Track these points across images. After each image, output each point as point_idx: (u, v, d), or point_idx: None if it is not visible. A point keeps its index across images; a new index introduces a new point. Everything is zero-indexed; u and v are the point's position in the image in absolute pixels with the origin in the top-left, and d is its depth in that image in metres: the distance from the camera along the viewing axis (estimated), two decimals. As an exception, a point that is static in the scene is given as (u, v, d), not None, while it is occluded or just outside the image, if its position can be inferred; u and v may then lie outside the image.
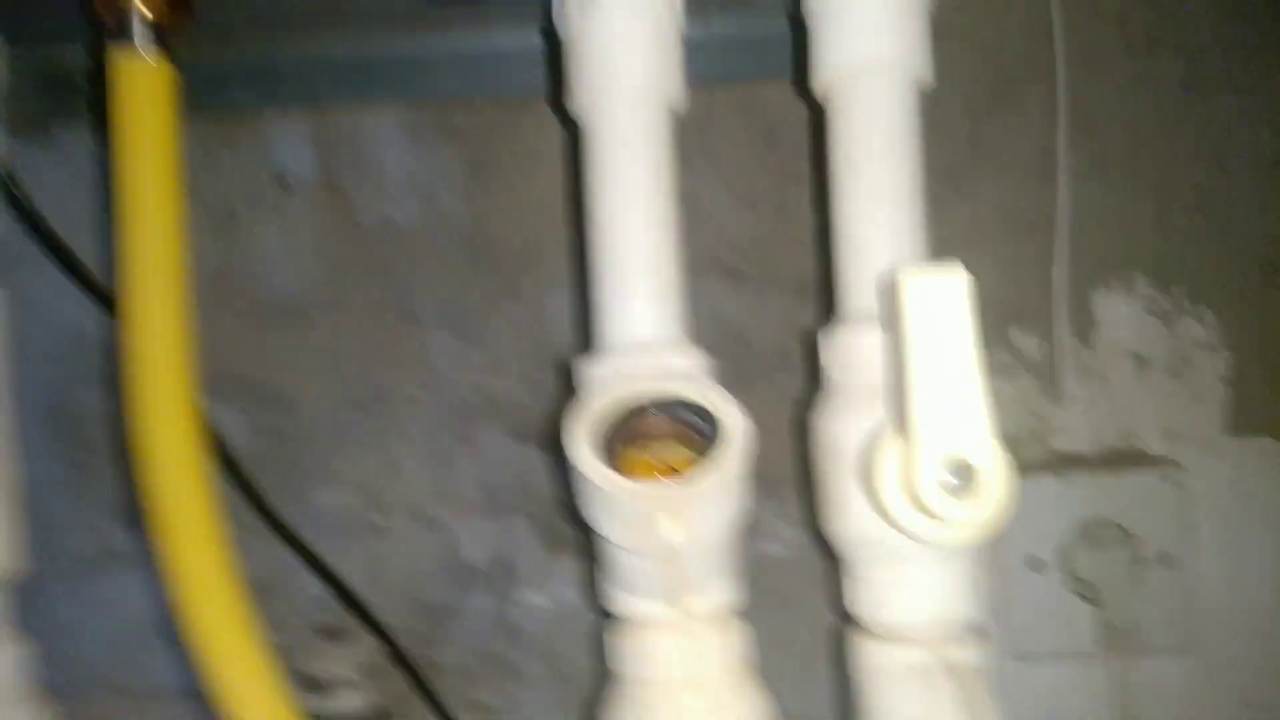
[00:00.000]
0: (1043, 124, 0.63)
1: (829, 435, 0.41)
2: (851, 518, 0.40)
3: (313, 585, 0.66)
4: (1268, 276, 0.64)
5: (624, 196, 0.41)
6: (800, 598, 0.65)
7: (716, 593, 0.41)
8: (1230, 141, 0.64)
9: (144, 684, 0.67)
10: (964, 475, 0.34)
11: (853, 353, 0.41)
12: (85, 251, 0.59)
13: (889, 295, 0.36)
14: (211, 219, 0.65)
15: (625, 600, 0.41)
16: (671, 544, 0.37)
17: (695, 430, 0.40)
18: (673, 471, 0.40)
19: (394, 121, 0.65)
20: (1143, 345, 0.64)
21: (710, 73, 0.59)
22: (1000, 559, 0.62)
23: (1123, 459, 0.63)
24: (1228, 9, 0.64)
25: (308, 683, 0.67)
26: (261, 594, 0.43)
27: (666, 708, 0.39)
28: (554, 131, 0.64)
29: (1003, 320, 0.64)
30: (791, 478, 0.65)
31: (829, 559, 0.64)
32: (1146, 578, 0.61)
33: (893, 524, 0.36)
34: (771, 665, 0.42)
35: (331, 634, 0.67)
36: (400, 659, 0.65)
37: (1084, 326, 0.64)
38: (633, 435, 0.40)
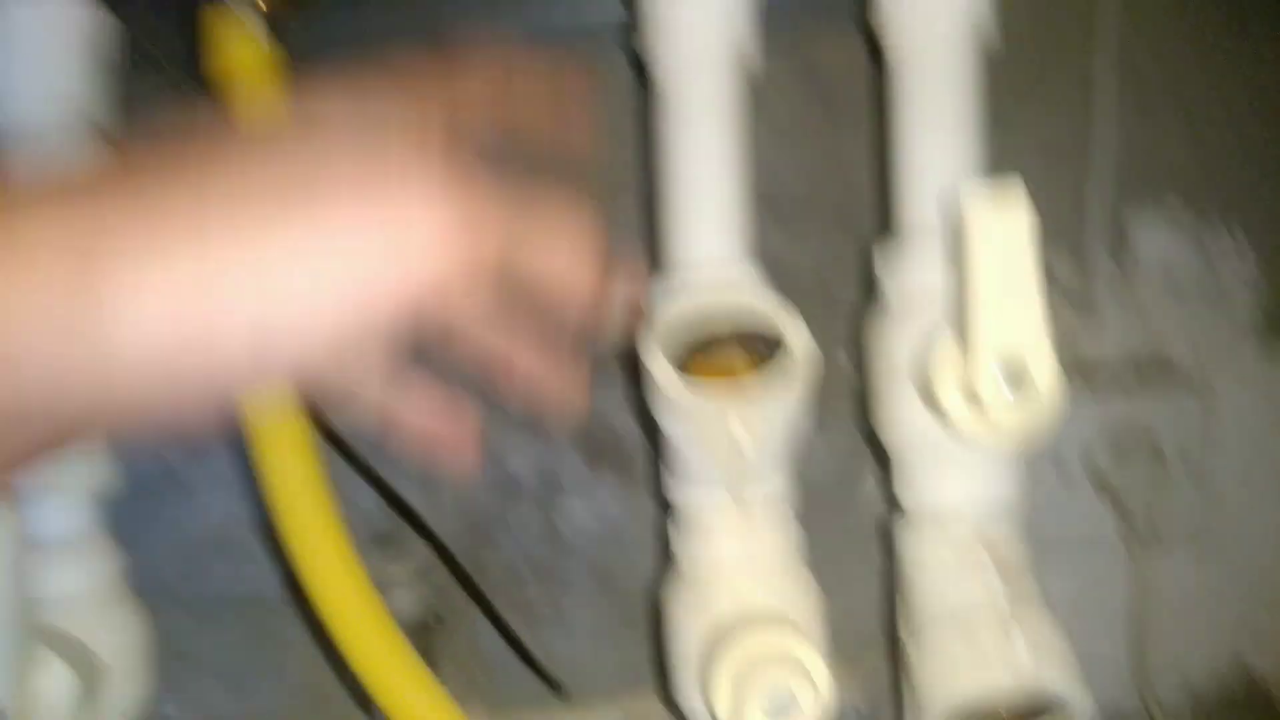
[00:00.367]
0: (1081, 51, 0.64)
1: (884, 341, 0.43)
2: (903, 415, 0.42)
3: (367, 496, 0.69)
4: (1297, 194, 0.66)
5: (695, 121, 0.43)
6: (831, 501, 0.68)
7: (773, 483, 0.44)
8: (1264, 64, 0.65)
9: (206, 595, 0.71)
10: (1019, 379, 0.37)
11: (908, 260, 0.43)
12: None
13: (953, 209, 0.38)
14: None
15: (688, 491, 0.44)
16: (739, 442, 0.39)
17: (756, 337, 0.42)
18: (733, 375, 0.43)
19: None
20: (1174, 262, 0.66)
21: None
22: (1033, 462, 0.65)
23: (1151, 370, 0.66)
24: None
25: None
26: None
27: (724, 585, 0.42)
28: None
29: (1039, 243, 0.66)
30: (827, 389, 0.67)
31: (863, 462, 0.68)
32: (1168, 481, 0.64)
33: (949, 424, 0.39)
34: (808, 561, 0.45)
35: (385, 541, 0.70)
36: (450, 562, 0.68)
37: (1116, 246, 0.66)
38: (699, 343, 0.43)
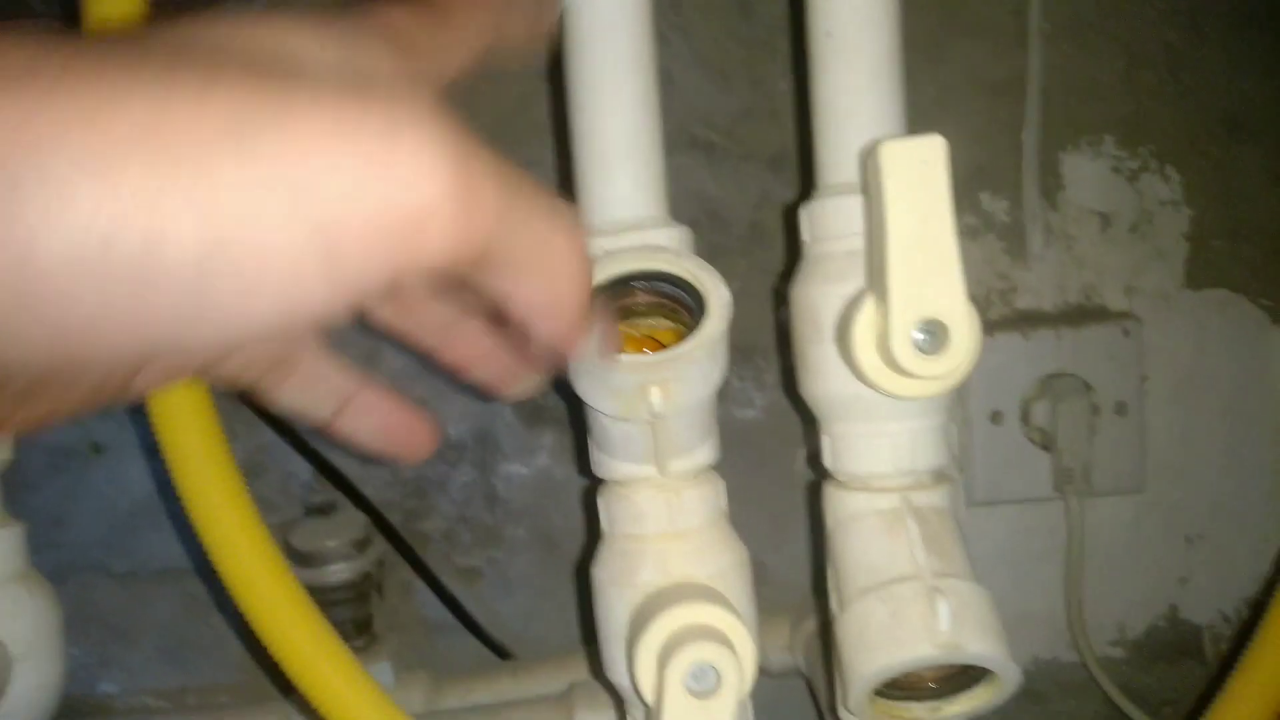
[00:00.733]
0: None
1: (807, 301, 0.42)
2: (827, 378, 0.41)
3: (303, 467, 0.67)
4: (1233, 134, 0.65)
5: (603, 77, 0.41)
6: (772, 460, 0.68)
7: (698, 454, 0.43)
8: (1202, 6, 0.63)
9: (130, 566, 0.69)
10: (935, 332, 0.36)
11: (832, 222, 0.42)
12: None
13: (870, 162, 0.36)
14: None
15: (613, 465, 0.43)
16: (659, 411, 0.38)
17: (678, 303, 0.41)
18: (657, 344, 0.41)
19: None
20: (1108, 204, 0.65)
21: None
22: (964, 414, 0.65)
23: (1084, 315, 0.66)
24: None
25: (301, 558, 0.69)
26: (251, 477, 0.45)
27: (652, 557, 0.41)
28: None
29: (973, 184, 0.65)
30: (765, 347, 0.67)
31: (800, 424, 0.67)
32: (1102, 426, 0.64)
33: (866, 381, 0.38)
34: (743, 522, 0.45)
35: (321, 511, 0.69)
36: (388, 531, 0.67)
37: (1051, 188, 0.65)
38: (618, 311, 0.41)
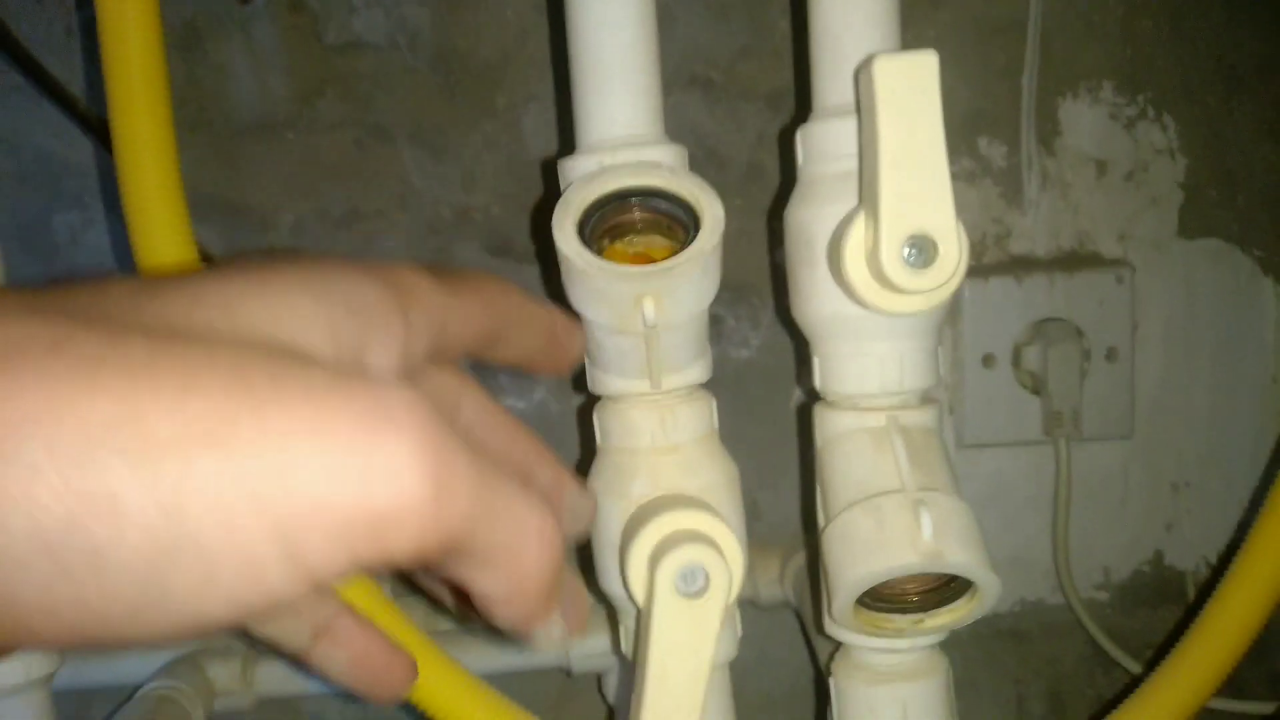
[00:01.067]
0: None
1: (801, 223, 0.43)
2: (819, 299, 0.42)
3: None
4: (1230, 84, 0.66)
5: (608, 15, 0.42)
6: (765, 400, 0.69)
7: (691, 371, 0.44)
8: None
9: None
10: (924, 247, 0.36)
11: (826, 143, 0.42)
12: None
13: (864, 76, 0.37)
14: (173, 37, 0.64)
15: (608, 380, 0.44)
16: (653, 322, 0.39)
17: (673, 220, 0.42)
18: (652, 261, 0.42)
19: (357, -73, 0.64)
20: (1104, 151, 0.66)
21: None
22: (956, 356, 0.66)
23: (1078, 261, 0.66)
24: None
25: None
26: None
27: (645, 470, 0.42)
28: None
29: (970, 129, 0.65)
30: (761, 286, 0.67)
31: (793, 365, 0.68)
32: (1093, 372, 0.65)
33: (856, 297, 0.39)
34: (735, 460, 0.45)
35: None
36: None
37: (1048, 134, 0.66)
38: (615, 228, 0.42)
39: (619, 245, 0.43)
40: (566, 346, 0.32)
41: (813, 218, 0.42)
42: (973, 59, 0.65)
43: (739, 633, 0.46)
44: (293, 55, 0.65)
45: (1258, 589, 0.49)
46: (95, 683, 0.62)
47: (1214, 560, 0.71)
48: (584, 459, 0.67)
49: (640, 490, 0.43)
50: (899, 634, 0.43)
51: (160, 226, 0.43)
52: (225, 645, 0.61)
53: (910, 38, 0.43)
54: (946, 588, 0.43)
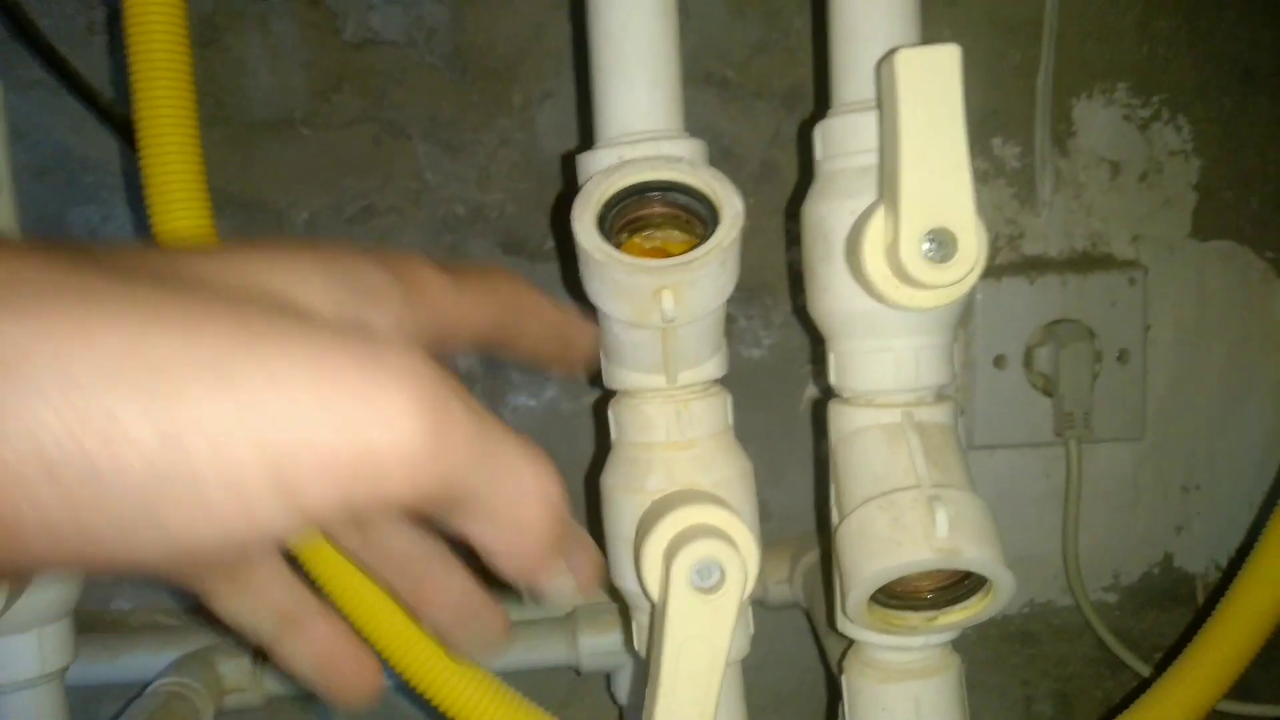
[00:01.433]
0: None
1: (819, 217, 0.43)
2: (836, 295, 0.42)
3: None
4: (1245, 85, 0.66)
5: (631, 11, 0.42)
6: (777, 399, 0.69)
7: (707, 366, 0.44)
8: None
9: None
10: (943, 242, 0.37)
11: (845, 138, 0.42)
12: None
13: (885, 70, 0.37)
14: (192, 32, 0.64)
15: (624, 375, 0.44)
16: (671, 316, 0.39)
17: (692, 214, 0.42)
18: (669, 255, 0.42)
19: (374, -77, 0.64)
20: (1118, 153, 0.66)
21: None
22: (968, 357, 0.66)
23: (1091, 262, 0.66)
24: None
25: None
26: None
27: (660, 465, 0.42)
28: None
29: (985, 129, 0.65)
30: (774, 286, 0.68)
31: (805, 364, 0.68)
32: (1104, 373, 0.65)
33: (874, 292, 0.39)
34: (747, 454, 0.46)
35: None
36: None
37: (1062, 134, 0.66)
38: (633, 222, 0.42)
39: (637, 239, 0.43)
40: (579, 344, 0.32)
41: (831, 212, 0.42)
42: (987, 58, 0.65)
43: (751, 630, 0.46)
44: (310, 51, 0.65)
45: (1268, 592, 0.48)
46: (106, 679, 0.62)
47: (1224, 563, 0.71)
48: (598, 455, 0.67)
49: (655, 485, 0.43)
50: (912, 631, 0.43)
51: (185, 223, 0.44)
52: (236, 642, 0.61)
53: (925, 36, 0.43)
54: (960, 585, 0.43)
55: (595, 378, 0.68)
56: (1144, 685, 0.52)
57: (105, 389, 0.17)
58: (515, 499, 0.22)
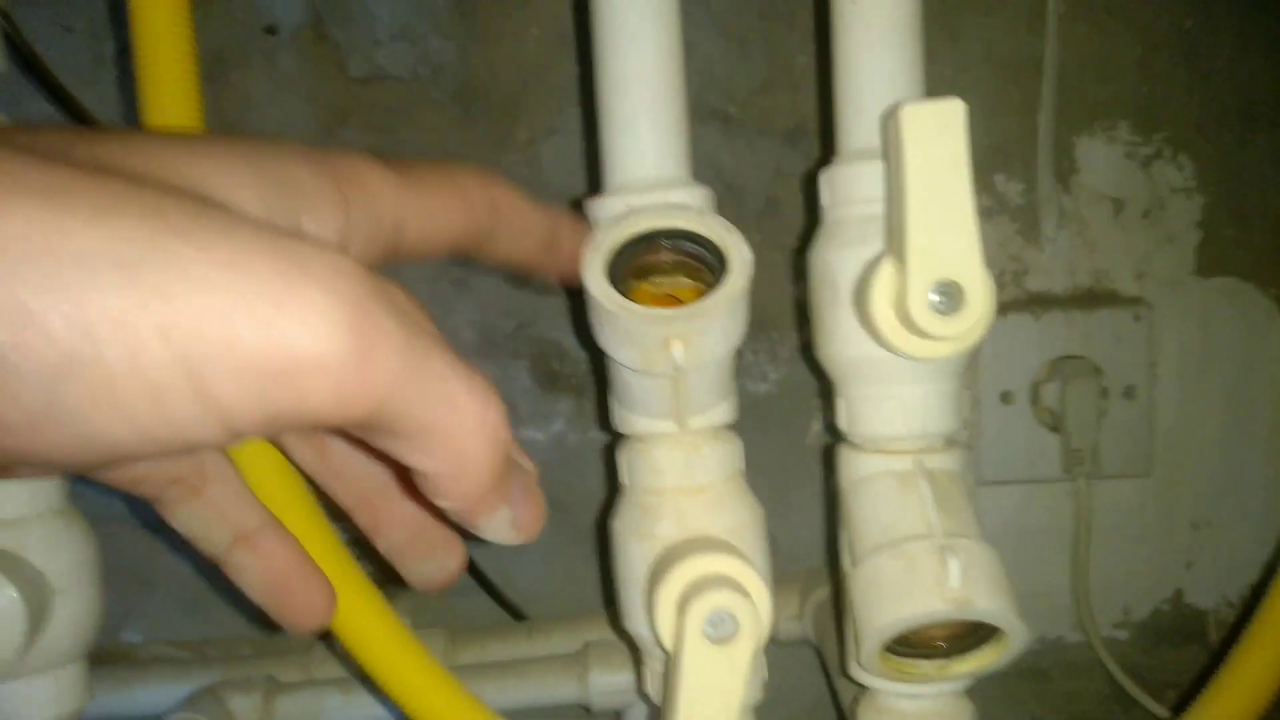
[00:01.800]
0: (1034, -33, 0.64)
1: (826, 264, 0.43)
2: (844, 341, 0.42)
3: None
4: (1246, 122, 0.66)
5: (629, 33, 0.42)
6: (783, 434, 0.69)
7: (717, 412, 0.44)
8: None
9: (155, 516, 0.70)
10: (950, 294, 0.37)
11: (851, 187, 0.42)
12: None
13: (891, 124, 0.37)
14: (200, 66, 0.65)
15: (634, 420, 0.44)
16: (681, 365, 0.39)
17: (700, 262, 0.42)
18: (678, 303, 0.42)
19: (383, -36, 0.64)
20: (1121, 190, 0.66)
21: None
22: (975, 393, 0.66)
23: (1095, 298, 0.66)
24: None
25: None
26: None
27: (670, 510, 0.42)
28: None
29: (988, 166, 0.66)
30: (780, 321, 0.68)
31: (811, 398, 0.68)
32: (1111, 409, 0.65)
33: (883, 342, 0.39)
34: (754, 492, 0.45)
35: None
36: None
37: (1065, 171, 0.66)
38: (641, 269, 0.42)
39: (645, 285, 0.43)
40: (566, 247, 0.30)
41: (837, 260, 0.42)
42: (989, 95, 0.65)
43: (764, 676, 0.46)
44: (317, 86, 0.66)
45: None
46: (117, 712, 0.62)
47: (1234, 599, 0.70)
48: (607, 497, 0.67)
49: (666, 531, 0.43)
50: (925, 679, 0.43)
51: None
52: (246, 678, 0.61)
53: (927, 74, 0.44)
54: (973, 634, 0.42)
55: (601, 413, 0.68)
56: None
57: (13, 277, 0.16)
58: (452, 426, 0.20)
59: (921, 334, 0.38)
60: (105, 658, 0.66)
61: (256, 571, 0.27)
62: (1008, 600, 0.40)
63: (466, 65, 0.65)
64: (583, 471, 0.68)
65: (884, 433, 0.43)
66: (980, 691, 0.46)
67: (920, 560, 0.40)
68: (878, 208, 0.41)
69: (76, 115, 0.60)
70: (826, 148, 0.46)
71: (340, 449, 0.28)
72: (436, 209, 0.26)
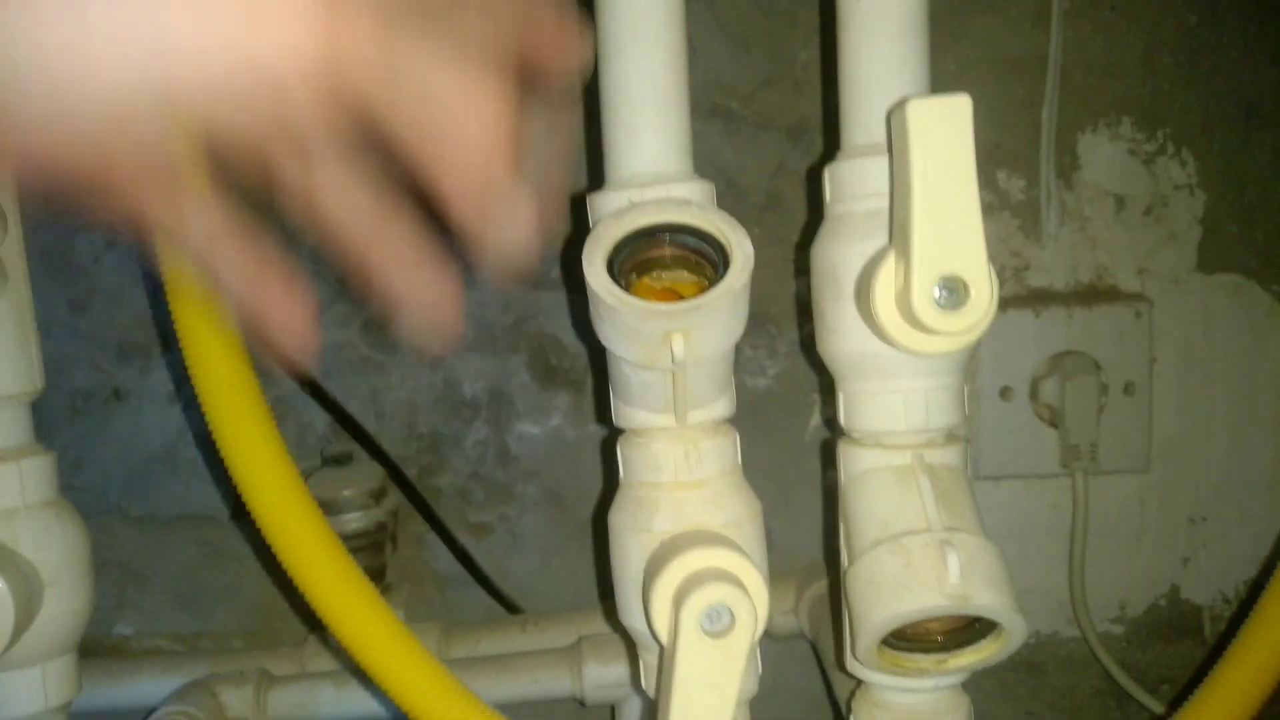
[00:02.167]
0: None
1: (829, 259, 0.43)
2: (846, 336, 0.42)
3: (321, 418, 0.68)
4: (1249, 120, 0.66)
5: (633, 30, 0.42)
6: (781, 428, 0.69)
7: (716, 407, 0.44)
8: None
9: (148, 510, 0.70)
10: (955, 289, 0.37)
11: (855, 182, 0.42)
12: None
13: (897, 119, 0.37)
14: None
15: (633, 414, 0.44)
16: (680, 359, 0.39)
17: (701, 256, 0.42)
18: (679, 297, 0.42)
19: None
20: (1123, 186, 0.66)
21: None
22: (974, 388, 0.66)
23: (1096, 295, 0.66)
24: None
25: (318, 506, 0.70)
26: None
27: (668, 504, 0.42)
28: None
29: (990, 162, 0.66)
30: (779, 316, 0.67)
31: (809, 393, 0.68)
32: (1110, 405, 0.65)
33: (885, 337, 0.39)
34: (751, 488, 0.45)
35: (338, 461, 0.70)
36: (403, 483, 0.68)
37: (1067, 168, 0.66)
38: (643, 263, 0.42)
39: (646, 279, 0.43)
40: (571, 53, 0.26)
41: (841, 255, 0.42)
42: (993, 92, 0.65)
43: (760, 670, 0.46)
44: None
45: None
46: (109, 704, 0.62)
47: (1231, 595, 0.70)
48: (604, 491, 0.67)
49: (663, 525, 0.43)
50: (922, 673, 0.43)
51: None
52: (238, 671, 0.61)
53: (931, 70, 0.43)
54: (971, 628, 0.42)
55: (600, 407, 0.68)
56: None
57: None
58: (450, 110, 0.19)
59: (924, 329, 0.38)
60: (98, 650, 0.66)
61: (233, 278, 0.25)
62: (1007, 595, 0.40)
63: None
64: (580, 466, 0.68)
65: (884, 427, 0.43)
66: (975, 685, 0.46)
67: (919, 555, 0.40)
68: (881, 203, 0.41)
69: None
70: (829, 144, 0.46)
71: (331, 169, 0.25)
72: None
